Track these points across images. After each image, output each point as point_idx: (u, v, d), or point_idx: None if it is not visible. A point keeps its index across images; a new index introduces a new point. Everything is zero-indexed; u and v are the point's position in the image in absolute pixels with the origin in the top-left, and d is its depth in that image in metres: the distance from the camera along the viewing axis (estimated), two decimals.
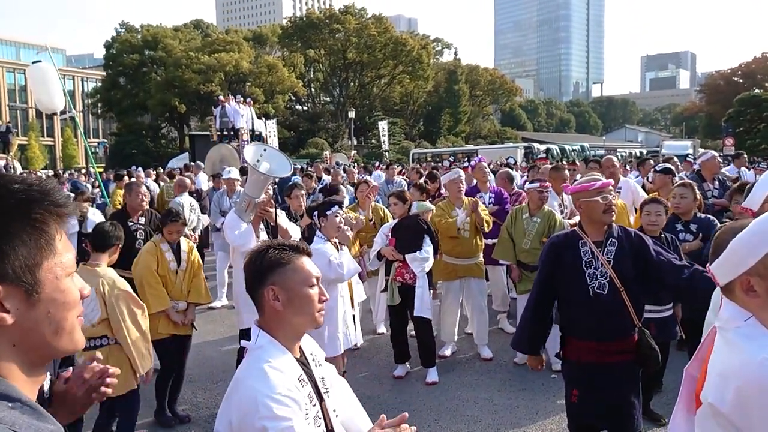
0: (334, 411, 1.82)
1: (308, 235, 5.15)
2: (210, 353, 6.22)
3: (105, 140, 55.64)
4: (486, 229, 5.90)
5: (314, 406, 1.71)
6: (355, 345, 5.11)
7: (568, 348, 3.28)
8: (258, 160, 4.45)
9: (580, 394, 3.19)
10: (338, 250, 4.45)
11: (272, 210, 4.64)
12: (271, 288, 1.73)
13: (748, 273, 1.47)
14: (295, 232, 5.00)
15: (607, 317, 3.09)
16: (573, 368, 3.25)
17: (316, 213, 4.63)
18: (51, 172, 22.35)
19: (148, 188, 6.74)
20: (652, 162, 8.95)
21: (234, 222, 4.58)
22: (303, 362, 1.79)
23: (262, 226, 4.69)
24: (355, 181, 10.35)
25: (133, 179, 11.11)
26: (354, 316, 4.86)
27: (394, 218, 5.76)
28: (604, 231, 3.18)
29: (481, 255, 6.06)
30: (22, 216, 0.86)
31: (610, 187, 3.24)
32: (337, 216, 4.51)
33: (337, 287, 4.47)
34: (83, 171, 25.11)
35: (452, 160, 26.78)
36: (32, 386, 0.92)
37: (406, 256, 5.30)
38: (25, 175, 0.94)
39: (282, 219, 4.93)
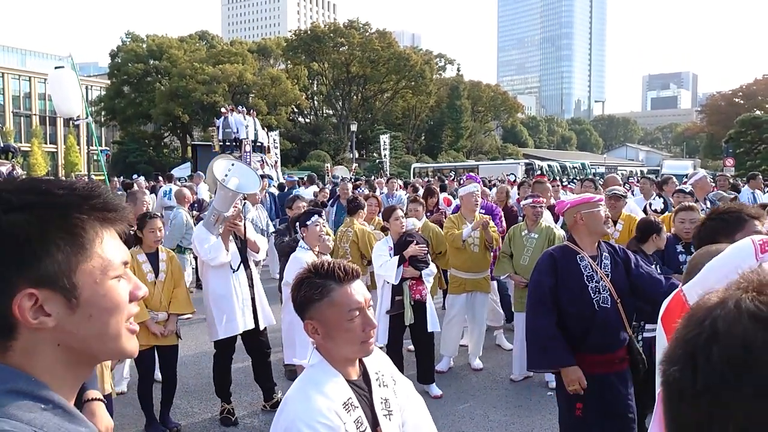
0: None
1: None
2: (207, 363, 6.20)
3: (107, 148, 55.81)
4: (494, 247, 5.99)
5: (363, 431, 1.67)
6: None
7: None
8: (226, 175, 4.49)
9: (585, 406, 3.21)
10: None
11: (241, 224, 4.70)
12: (308, 323, 1.71)
13: None
14: (263, 244, 5.04)
15: (611, 329, 3.20)
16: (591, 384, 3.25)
17: (298, 224, 4.72)
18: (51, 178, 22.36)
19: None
20: (675, 180, 8.55)
21: (203, 235, 4.61)
22: (358, 385, 1.75)
23: (231, 238, 4.72)
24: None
25: (136, 188, 11.17)
26: None
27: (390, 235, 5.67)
28: (596, 245, 3.28)
29: (489, 270, 6.16)
30: (58, 221, 0.87)
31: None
32: (317, 225, 4.59)
33: None
34: (84, 179, 25.15)
35: (453, 175, 26.92)
36: (71, 388, 0.92)
37: (423, 273, 5.26)
38: (72, 179, 0.97)
39: (251, 232, 4.97)
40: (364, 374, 1.79)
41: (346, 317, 1.68)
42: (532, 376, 5.73)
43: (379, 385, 1.79)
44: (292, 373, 5.80)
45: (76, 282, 0.88)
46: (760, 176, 11.56)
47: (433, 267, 5.39)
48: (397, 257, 5.17)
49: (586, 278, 3.20)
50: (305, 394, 1.65)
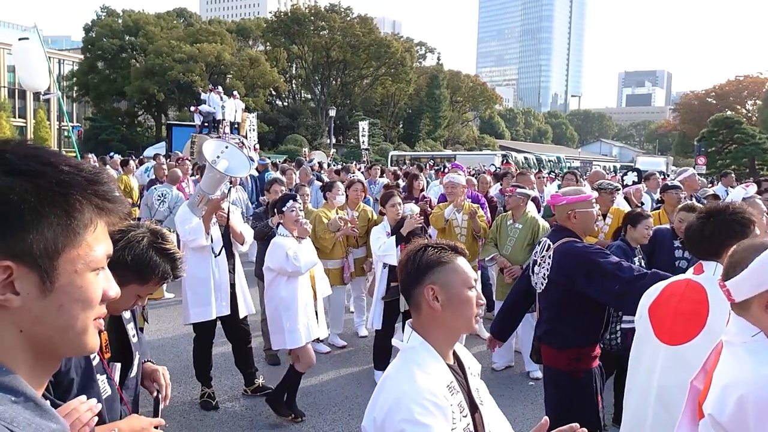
0: (489, 424, 1.70)
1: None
2: (185, 346, 6.12)
3: (79, 125, 54.55)
4: (482, 236, 5.99)
5: (465, 417, 1.59)
6: (319, 339, 5.12)
7: (591, 358, 3.25)
8: (218, 156, 4.43)
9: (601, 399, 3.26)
10: (299, 244, 4.52)
11: (224, 212, 4.64)
12: (430, 287, 1.64)
13: None
14: (248, 234, 4.97)
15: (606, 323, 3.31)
16: (597, 376, 3.26)
17: (275, 209, 4.68)
18: None
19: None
20: (657, 176, 8.88)
21: (186, 215, 4.55)
22: (455, 370, 1.70)
23: (214, 220, 4.65)
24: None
25: (108, 166, 10.93)
26: (317, 310, 4.78)
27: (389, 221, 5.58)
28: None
29: (477, 260, 6.14)
30: (58, 197, 0.81)
31: None
32: (293, 210, 4.56)
33: (298, 279, 4.50)
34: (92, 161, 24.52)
35: (431, 164, 26.95)
36: (39, 379, 0.85)
37: None
38: (81, 160, 0.89)
39: (238, 221, 4.89)
40: (458, 362, 1.76)
41: (468, 284, 1.67)
42: (513, 365, 5.77)
43: (471, 374, 1.76)
44: (273, 358, 5.75)
45: (57, 265, 0.81)
46: (732, 174, 11.87)
47: None
48: (394, 236, 5.18)
49: None
50: (410, 373, 1.57)
